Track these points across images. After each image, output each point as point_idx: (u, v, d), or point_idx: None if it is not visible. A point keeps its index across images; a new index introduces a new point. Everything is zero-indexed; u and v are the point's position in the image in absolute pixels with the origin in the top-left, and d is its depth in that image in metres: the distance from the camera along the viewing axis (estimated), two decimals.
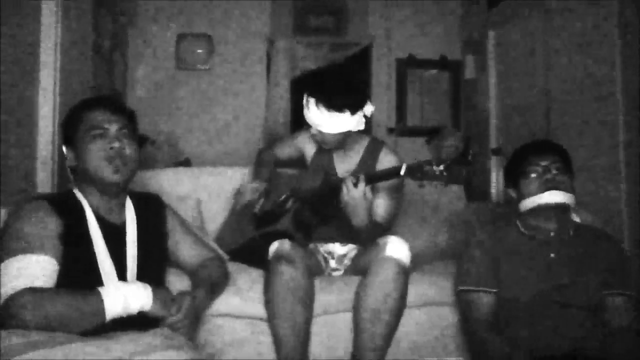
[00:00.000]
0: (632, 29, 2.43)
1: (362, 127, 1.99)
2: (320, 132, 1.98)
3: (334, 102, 1.92)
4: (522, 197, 1.68)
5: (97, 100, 1.56)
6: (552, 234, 1.68)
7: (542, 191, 1.63)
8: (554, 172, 1.65)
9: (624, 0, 2.50)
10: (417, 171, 1.67)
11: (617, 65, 2.53)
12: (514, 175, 1.72)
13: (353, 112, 1.94)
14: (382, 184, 1.96)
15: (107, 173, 1.44)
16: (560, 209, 1.66)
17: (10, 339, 1.14)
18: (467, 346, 1.86)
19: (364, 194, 1.77)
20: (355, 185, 1.78)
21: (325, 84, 1.98)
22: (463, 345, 1.89)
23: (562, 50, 3.01)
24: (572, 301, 1.59)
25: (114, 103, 1.54)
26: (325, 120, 1.94)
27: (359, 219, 1.83)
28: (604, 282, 1.62)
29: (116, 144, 1.45)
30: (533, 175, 1.66)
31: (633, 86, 2.42)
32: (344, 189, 1.78)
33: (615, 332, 1.58)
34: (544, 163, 1.66)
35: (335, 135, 1.98)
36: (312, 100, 1.95)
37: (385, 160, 2.04)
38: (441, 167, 1.61)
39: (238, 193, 2.15)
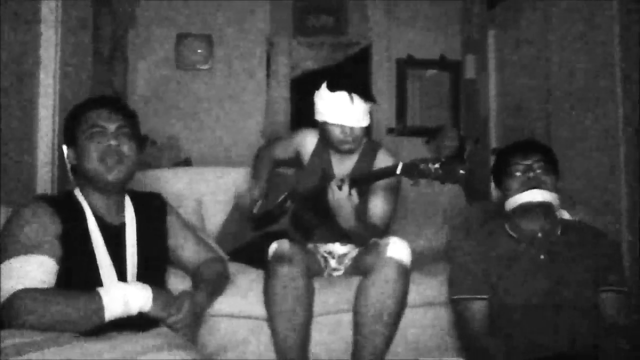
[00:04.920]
0: (632, 28, 2.43)
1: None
2: (350, 128, 1.96)
3: (366, 92, 1.97)
4: (506, 196, 1.69)
5: (98, 99, 1.57)
6: (539, 234, 1.68)
7: (523, 190, 1.63)
8: (537, 171, 1.65)
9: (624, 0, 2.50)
10: (413, 169, 1.67)
11: (617, 65, 2.52)
12: (500, 174, 1.73)
13: (374, 103, 2.01)
14: (379, 185, 1.97)
15: (103, 170, 1.44)
16: (543, 209, 1.65)
17: (10, 339, 1.14)
18: (464, 353, 1.86)
19: (349, 196, 1.77)
20: (340, 187, 1.78)
21: (352, 76, 2.01)
22: (461, 348, 1.89)
23: (562, 50, 3.01)
24: (565, 301, 1.59)
25: (114, 102, 1.55)
26: (354, 113, 1.93)
27: (344, 221, 1.84)
28: (597, 279, 1.62)
29: (113, 142, 1.45)
30: (516, 174, 1.66)
31: (633, 86, 2.41)
32: (329, 192, 1.79)
33: (609, 329, 1.58)
34: (527, 162, 1.66)
35: (362, 130, 1.99)
36: (340, 95, 1.93)
37: (383, 161, 2.04)
38: (437, 165, 1.62)
39: (238, 196, 2.15)
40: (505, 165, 1.69)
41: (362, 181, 1.88)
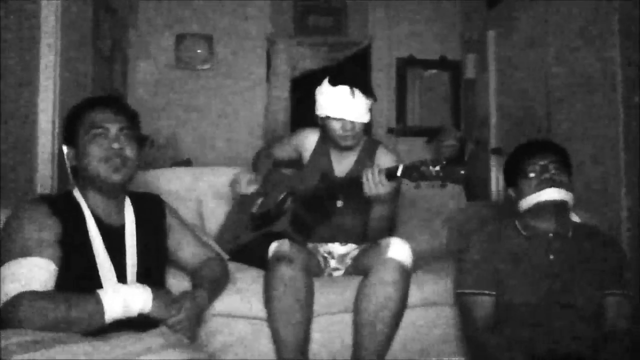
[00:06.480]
0: (632, 28, 2.43)
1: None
2: (351, 123, 1.96)
3: (367, 87, 1.99)
4: (521, 196, 1.68)
5: (99, 99, 1.55)
6: (550, 234, 1.68)
7: (541, 189, 1.63)
8: (553, 171, 1.65)
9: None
10: (413, 171, 1.66)
11: (618, 65, 2.52)
12: (513, 175, 1.72)
13: (374, 100, 2.01)
14: None
15: (106, 172, 1.43)
16: (559, 208, 1.66)
17: (10, 339, 1.14)
18: (466, 348, 1.86)
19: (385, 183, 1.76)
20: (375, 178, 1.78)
21: (353, 72, 2.05)
22: (463, 345, 1.89)
23: (562, 49, 3.01)
24: (571, 302, 1.59)
25: (116, 103, 1.53)
26: (356, 108, 1.94)
27: (387, 207, 1.87)
28: (603, 282, 1.62)
29: (116, 145, 1.44)
30: (532, 174, 1.66)
31: (634, 86, 2.41)
32: (367, 181, 1.76)
33: (613, 333, 1.58)
34: (542, 162, 1.66)
35: (362, 125, 1.99)
36: (342, 89, 1.94)
37: (383, 159, 2.04)
38: (437, 168, 1.61)
39: (234, 182, 2.12)
40: (520, 166, 1.69)
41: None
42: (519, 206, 1.70)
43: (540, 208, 1.65)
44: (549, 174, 1.64)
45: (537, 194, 1.63)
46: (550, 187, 1.62)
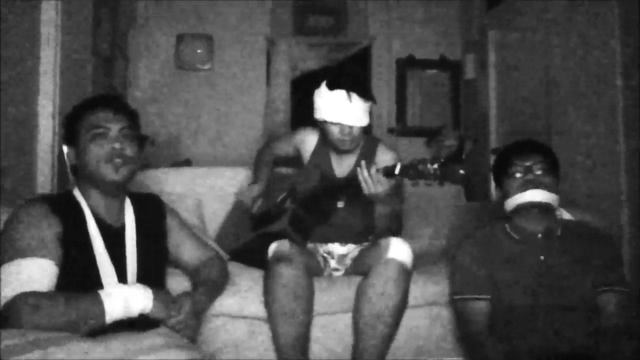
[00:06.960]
0: (632, 28, 2.43)
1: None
2: (349, 127, 1.95)
3: (365, 91, 1.97)
4: (505, 197, 1.69)
5: (99, 99, 1.55)
6: (539, 235, 1.68)
7: (523, 191, 1.63)
8: (537, 172, 1.65)
9: None
10: (411, 169, 1.66)
11: (618, 64, 2.52)
12: (499, 176, 1.73)
13: (374, 102, 2.00)
14: None
15: (107, 172, 1.43)
16: (543, 209, 1.66)
17: (10, 339, 1.14)
18: (464, 353, 1.85)
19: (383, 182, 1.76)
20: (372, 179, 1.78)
21: (352, 76, 2.04)
22: (461, 348, 1.89)
23: (562, 49, 3.01)
24: (566, 302, 1.59)
25: (116, 102, 1.53)
26: (353, 112, 1.93)
27: (388, 206, 1.85)
28: (597, 279, 1.62)
29: (117, 145, 1.44)
30: (516, 175, 1.66)
31: (634, 86, 2.41)
32: (364, 180, 1.76)
33: (610, 330, 1.57)
34: (526, 163, 1.66)
35: (360, 129, 1.98)
36: (339, 93, 1.93)
37: (383, 157, 2.04)
38: (435, 166, 1.61)
39: (239, 194, 2.14)
40: (505, 166, 1.69)
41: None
42: (504, 207, 1.70)
43: (524, 209, 1.65)
44: (533, 175, 1.64)
45: (520, 195, 1.64)
46: (533, 188, 1.62)
